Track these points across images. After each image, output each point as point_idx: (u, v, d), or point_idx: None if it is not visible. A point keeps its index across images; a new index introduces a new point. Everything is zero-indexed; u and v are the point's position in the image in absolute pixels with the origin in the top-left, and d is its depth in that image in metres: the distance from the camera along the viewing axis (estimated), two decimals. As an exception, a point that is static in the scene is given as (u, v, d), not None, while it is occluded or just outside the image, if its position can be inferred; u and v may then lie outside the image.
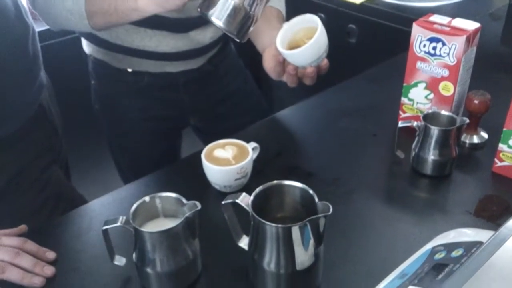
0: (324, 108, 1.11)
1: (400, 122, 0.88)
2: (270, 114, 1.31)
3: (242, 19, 0.79)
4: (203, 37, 1.08)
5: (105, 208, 0.84)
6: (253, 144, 0.89)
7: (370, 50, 1.63)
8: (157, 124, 1.18)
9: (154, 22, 1.00)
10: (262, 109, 1.29)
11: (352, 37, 1.68)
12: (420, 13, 1.52)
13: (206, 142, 1.27)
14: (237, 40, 0.82)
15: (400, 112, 1.01)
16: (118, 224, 0.65)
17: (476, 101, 0.90)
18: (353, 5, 1.62)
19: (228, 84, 1.22)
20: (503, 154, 0.85)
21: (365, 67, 1.29)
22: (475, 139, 0.94)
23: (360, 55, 1.66)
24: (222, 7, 0.77)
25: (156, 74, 1.10)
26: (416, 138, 0.88)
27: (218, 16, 0.78)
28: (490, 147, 0.92)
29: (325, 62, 0.90)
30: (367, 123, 1.04)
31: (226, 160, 0.84)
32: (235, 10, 0.77)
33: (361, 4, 1.61)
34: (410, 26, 1.52)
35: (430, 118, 0.86)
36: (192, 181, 0.88)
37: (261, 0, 0.80)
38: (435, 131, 0.84)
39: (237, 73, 1.25)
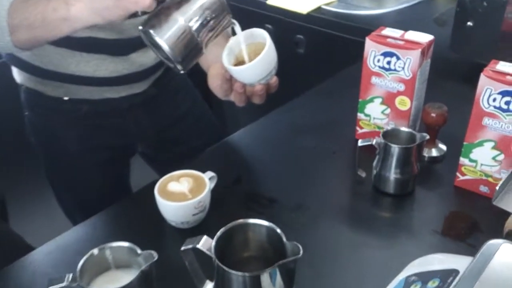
0: (280, 126, 1.07)
1: (359, 141, 0.85)
2: (224, 135, 1.25)
3: (189, 45, 0.72)
4: (146, 59, 1.01)
5: (50, 257, 0.75)
6: (209, 174, 0.83)
7: (319, 59, 1.62)
8: (101, 154, 1.10)
9: (91, 45, 0.92)
10: (215, 130, 1.23)
11: (301, 47, 1.65)
12: (365, 22, 1.52)
13: (157, 169, 1.19)
14: (179, 69, 0.75)
15: (357, 128, 0.98)
16: (64, 284, 0.57)
17: (433, 114, 0.89)
18: (300, 15, 1.60)
19: (177, 107, 1.16)
20: (464, 168, 0.84)
21: (315, 77, 1.27)
22: (434, 152, 0.93)
23: (310, 65, 1.64)
24: (169, 27, 0.70)
25: (95, 101, 1.02)
26: (377, 157, 0.85)
27: (164, 37, 0.70)
28: (449, 160, 0.91)
29: (274, 79, 0.85)
30: (325, 140, 1.01)
31: (181, 195, 0.78)
32: (184, 34, 0.71)
33: (308, 14, 1.58)
34: (357, 35, 1.51)
35: (389, 135, 0.84)
36: (145, 218, 0.81)
37: (211, 30, 0.73)
38: (395, 149, 0.82)
39: (185, 95, 1.19)
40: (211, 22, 0.73)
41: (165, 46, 0.71)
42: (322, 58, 1.62)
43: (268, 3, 1.67)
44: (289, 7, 1.62)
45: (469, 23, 1.14)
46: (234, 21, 0.77)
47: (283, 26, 1.65)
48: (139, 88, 1.06)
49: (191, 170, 0.82)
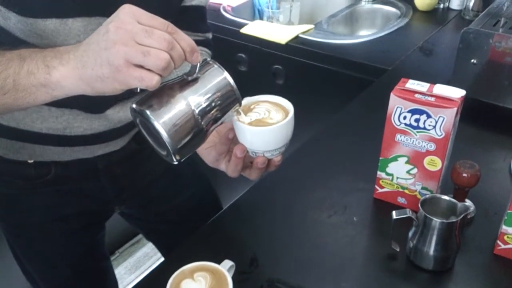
0: (280, 185, 0.94)
1: (394, 213, 0.75)
2: (213, 186, 1.12)
3: (191, 133, 0.61)
4: (124, 113, 0.84)
5: None
6: (227, 264, 0.70)
7: (300, 90, 1.52)
8: (72, 224, 0.94)
9: (61, 99, 0.77)
10: (203, 180, 1.09)
11: (279, 78, 1.55)
12: (345, 51, 1.43)
13: (138, 227, 1.05)
14: (173, 160, 0.63)
15: (377, 187, 0.88)
16: None
17: (465, 175, 0.80)
18: (278, 45, 1.49)
19: (160, 160, 1.01)
20: (507, 237, 0.76)
21: (298, 109, 1.16)
22: (464, 214, 0.85)
23: (291, 96, 1.53)
24: (170, 110, 0.59)
25: (66, 163, 0.87)
26: (413, 229, 0.75)
27: (162, 121, 0.58)
28: (479, 220, 0.83)
29: (279, 158, 0.73)
30: (338, 200, 0.90)
31: (199, 298, 0.65)
32: (187, 119, 0.60)
33: (287, 43, 1.48)
34: (339, 66, 1.43)
35: (428, 204, 0.74)
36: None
37: (217, 119, 0.63)
38: (437, 223, 0.72)
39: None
40: (218, 110, 0.63)
41: (163, 133, 0.59)
42: (303, 89, 1.52)
43: (242, 31, 1.55)
44: (266, 36, 1.51)
45: (473, 61, 1.08)
46: (241, 110, 0.67)
47: (259, 56, 1.54)
48: (118, 145, 0.91)
49: (205, 262, 0.68)
